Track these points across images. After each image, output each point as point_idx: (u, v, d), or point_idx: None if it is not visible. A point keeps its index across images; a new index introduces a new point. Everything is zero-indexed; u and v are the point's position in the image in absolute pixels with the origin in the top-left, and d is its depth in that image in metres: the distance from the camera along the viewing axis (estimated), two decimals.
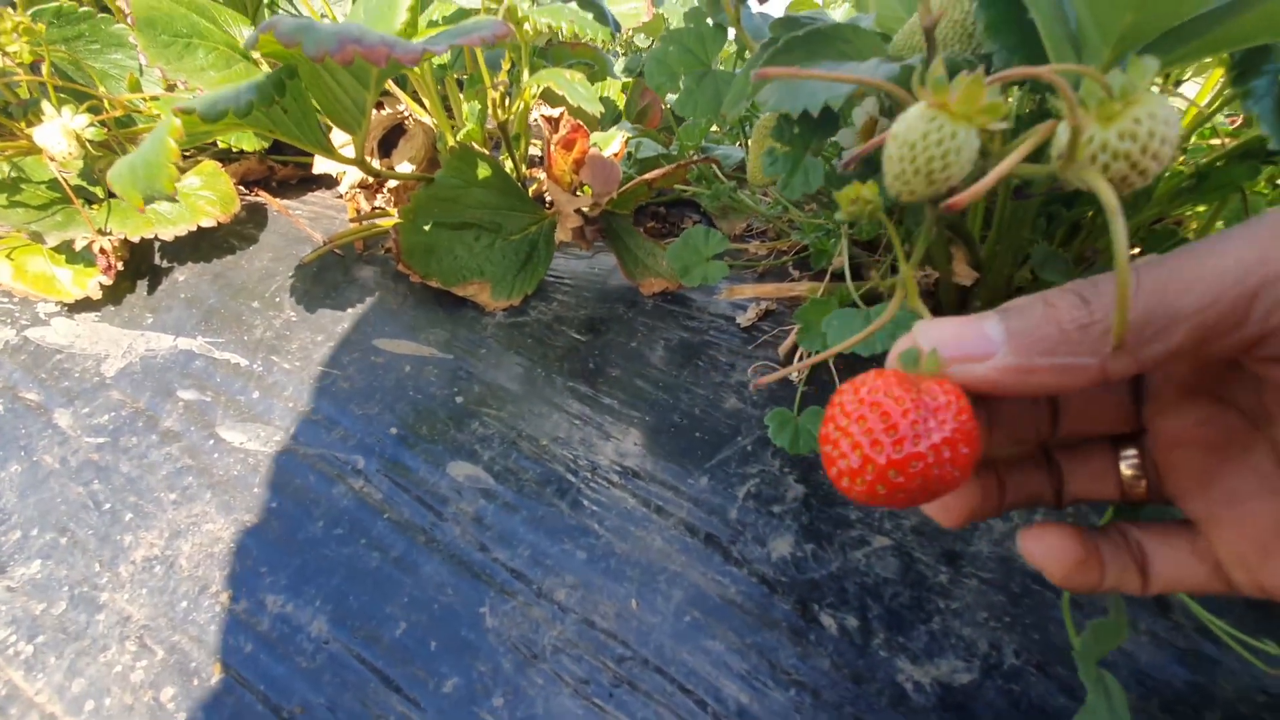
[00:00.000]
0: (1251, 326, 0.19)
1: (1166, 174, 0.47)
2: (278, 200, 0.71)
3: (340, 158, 0.48)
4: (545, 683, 0.38)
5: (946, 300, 0.59)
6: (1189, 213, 0.51)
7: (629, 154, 0.71)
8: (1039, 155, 0.24)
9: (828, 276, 0.56)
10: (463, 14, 0.58)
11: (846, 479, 0.21)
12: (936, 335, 0.22)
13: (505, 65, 0.52)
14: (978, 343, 0.21)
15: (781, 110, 0.39)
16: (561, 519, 0.45)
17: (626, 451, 0.48)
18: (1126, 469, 0.26)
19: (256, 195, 0.74)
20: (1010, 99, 0.24)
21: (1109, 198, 0.21)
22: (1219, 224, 0.45)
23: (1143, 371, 0.21)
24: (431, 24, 0.51)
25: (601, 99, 0.95)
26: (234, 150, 0.66)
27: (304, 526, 0.46)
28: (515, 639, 0.40)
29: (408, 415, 0.51)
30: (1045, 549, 0.24)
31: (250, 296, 0.61)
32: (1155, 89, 0.49)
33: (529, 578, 0.42)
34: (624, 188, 0.59)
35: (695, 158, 0.61)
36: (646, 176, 0.57)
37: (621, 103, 0.96)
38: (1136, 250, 0.51)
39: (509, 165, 0.64)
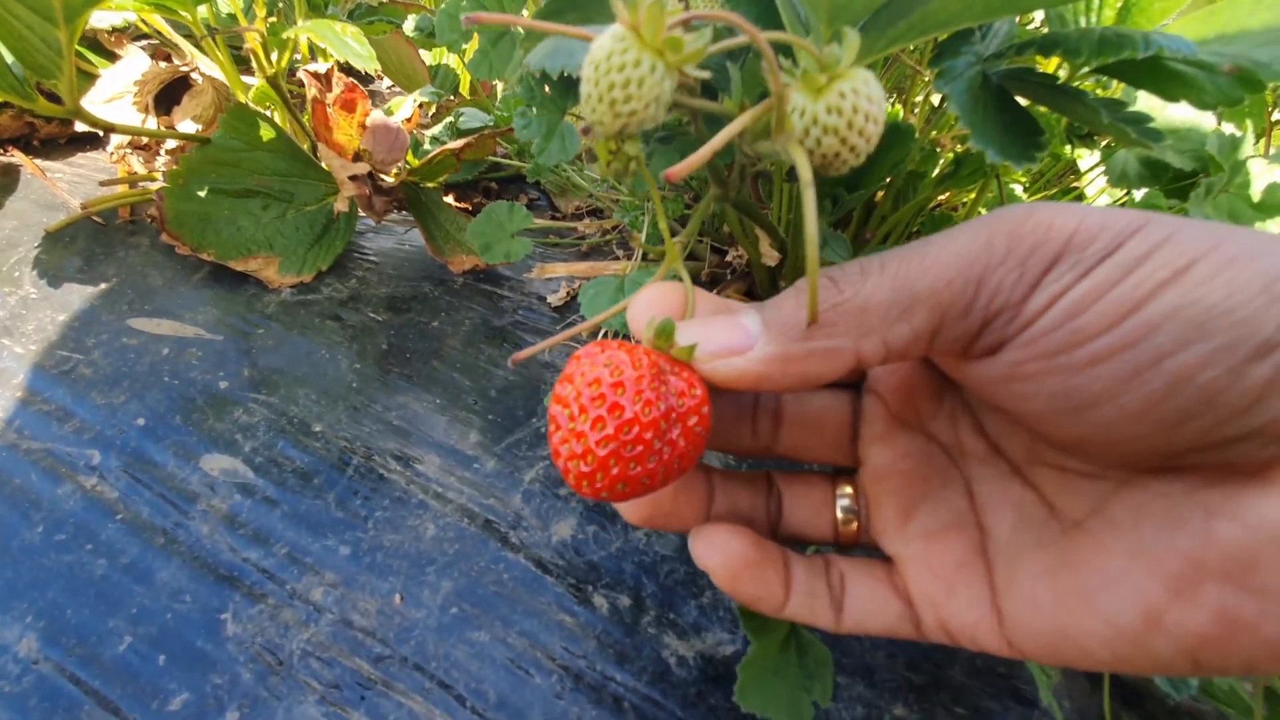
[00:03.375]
0: (977, 311, 0.19)
1: (940, 160, 0.50)
2: (33, 161, 0.62)
3: (47, 108, 0.41)
4: (290, 691, 0.35)
5: (760, 279, 0.60)
6: (963, 199, 0.54)
7: (450, 122, 0.67)
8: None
9: (636, 255, 0.55)
10: None
11: (575, 476, 0.20)
12: (696, 333, 0.21)
13: (260, 12, 0.46)
14: (736, 336, 0.21)
15: (543, 69, 0.37)
16: (327, 512, 0.41)
17: (409, 436, 0.46)
18: (840, 509, 0.26)
19: (10, 155, 0.64)
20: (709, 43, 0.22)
21: (805, 169, 0.21)
22: (981, 209, 0.48)
23: (891, 358, 0.21)
24: None
25: (439, 66, 0.90)
26: None
27: (19, 533, 0.40)
28: (260, 646, 0.36)
29: (159, 404, 0.45)
30: (710, 547, 0.23)
31: None
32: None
33: (282, 578, 0.39)
34: (429, 157, 0.56)
35: (508, 129, 0.58)
36: (450, 146, 0.54)
37: (463, 69, 0.91)
38: (916, 229, 0.54)
39: (299, 130, 0.58)
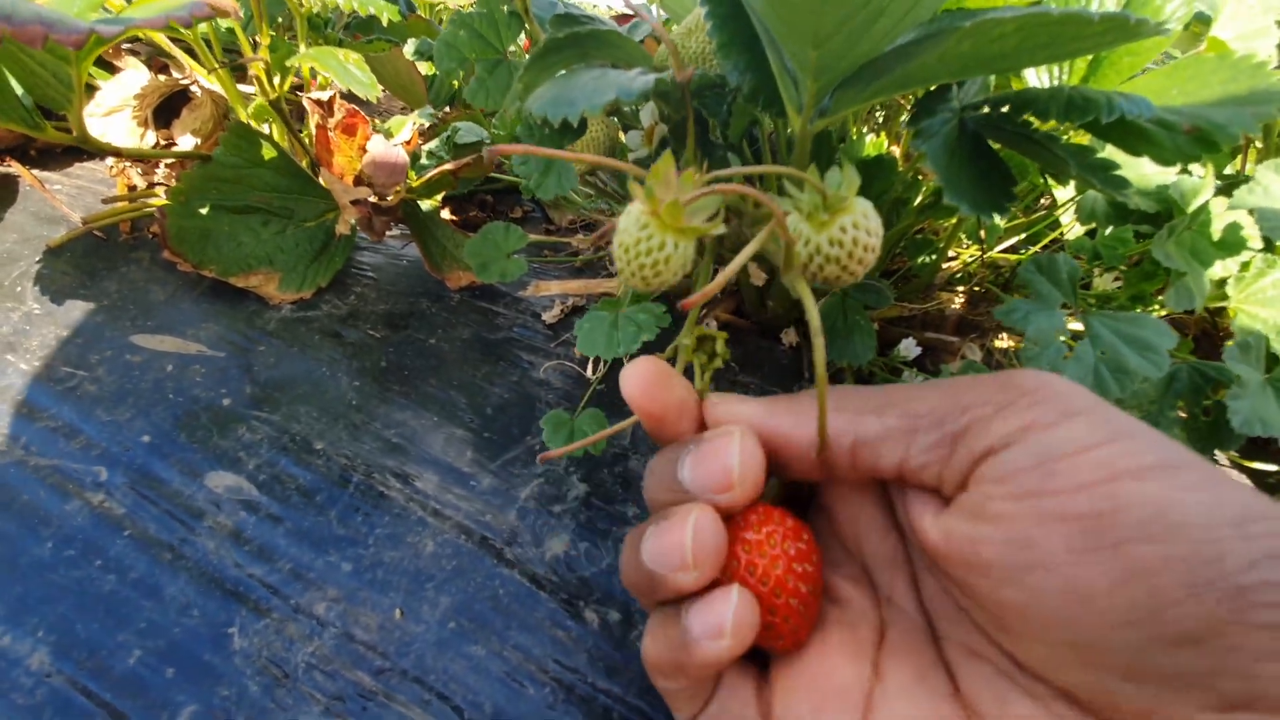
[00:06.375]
0: (949, 423, 0.21)
1: (922, 188, 0.52)
2: (32, 172, 0.63)
3: (55, 135, 0.42)
4: (295, 702, 0.37)
5: (748, 298, 0.62)
6: (944, 224, 0.56)
7: (447, 137, 0.68)
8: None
9: None
10: None
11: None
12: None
13: (264, 40, 0.47)
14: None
15: (545, 116, 0.38)
16: (329, 529, 0.43)
17: (408, 454, 0.47)
18: None
19: (8, 165, 0.64)
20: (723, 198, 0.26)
21: (814, 318, 0.23)
22: (961, 234, 0.50)
23: (860, 454, 0.23)
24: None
25: (435, 77, 0.91)
26: None
27: (29, 549, 0.41)
28: (266, 659, 0.38)
29: (164, 421, 0.46)
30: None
31: None
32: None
33: (286, 593, 0.40)
34: (427, 178, 0.57)
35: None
36: (447, 167, 0.55)
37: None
38: (900, 251, 0.56)
39: (299, 147, 0.59)
